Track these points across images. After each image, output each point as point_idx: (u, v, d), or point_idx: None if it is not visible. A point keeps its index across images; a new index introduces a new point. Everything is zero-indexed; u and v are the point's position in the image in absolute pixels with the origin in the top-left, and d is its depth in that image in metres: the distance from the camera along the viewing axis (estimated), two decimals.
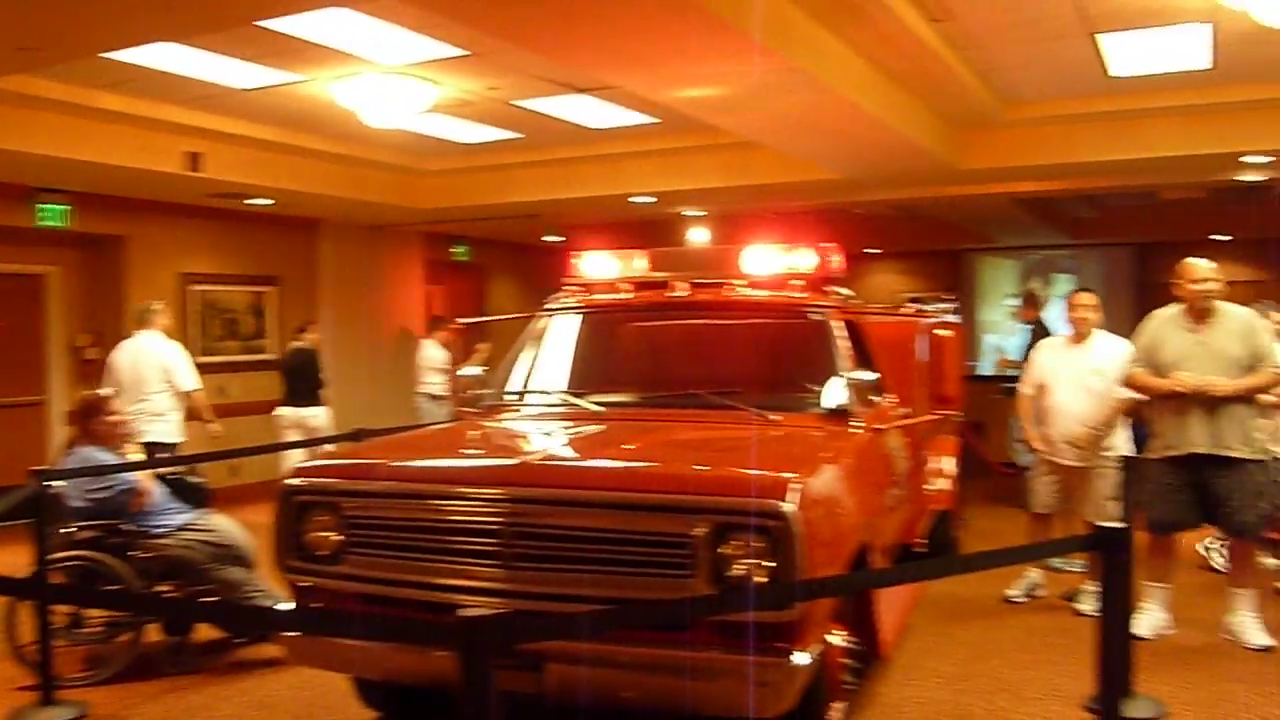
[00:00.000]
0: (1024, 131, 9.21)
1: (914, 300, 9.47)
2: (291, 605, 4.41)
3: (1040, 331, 9.38)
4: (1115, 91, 8.46)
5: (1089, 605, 6.14)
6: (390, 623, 3.62)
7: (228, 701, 5.12)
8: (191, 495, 5.98)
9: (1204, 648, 5.82)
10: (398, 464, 4.31)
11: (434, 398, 11.05)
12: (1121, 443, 6.56)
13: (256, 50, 7.08)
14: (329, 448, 6.39)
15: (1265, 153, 8.93)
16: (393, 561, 4.06)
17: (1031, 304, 10.83)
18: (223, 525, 5.82)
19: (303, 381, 10.06)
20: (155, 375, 8.16)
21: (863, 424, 4.90)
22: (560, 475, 4.07)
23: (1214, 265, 5.86)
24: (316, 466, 4.38)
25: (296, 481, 4.26)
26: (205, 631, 5.85)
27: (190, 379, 8.32)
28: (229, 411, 10.80)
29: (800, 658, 3.71)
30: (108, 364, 8.38)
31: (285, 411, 9.96)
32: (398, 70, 7.51)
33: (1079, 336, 6.70)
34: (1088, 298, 6.75)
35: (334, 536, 4.15)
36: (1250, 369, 5.72)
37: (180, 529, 5.67)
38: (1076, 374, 6.56)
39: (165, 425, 8.15)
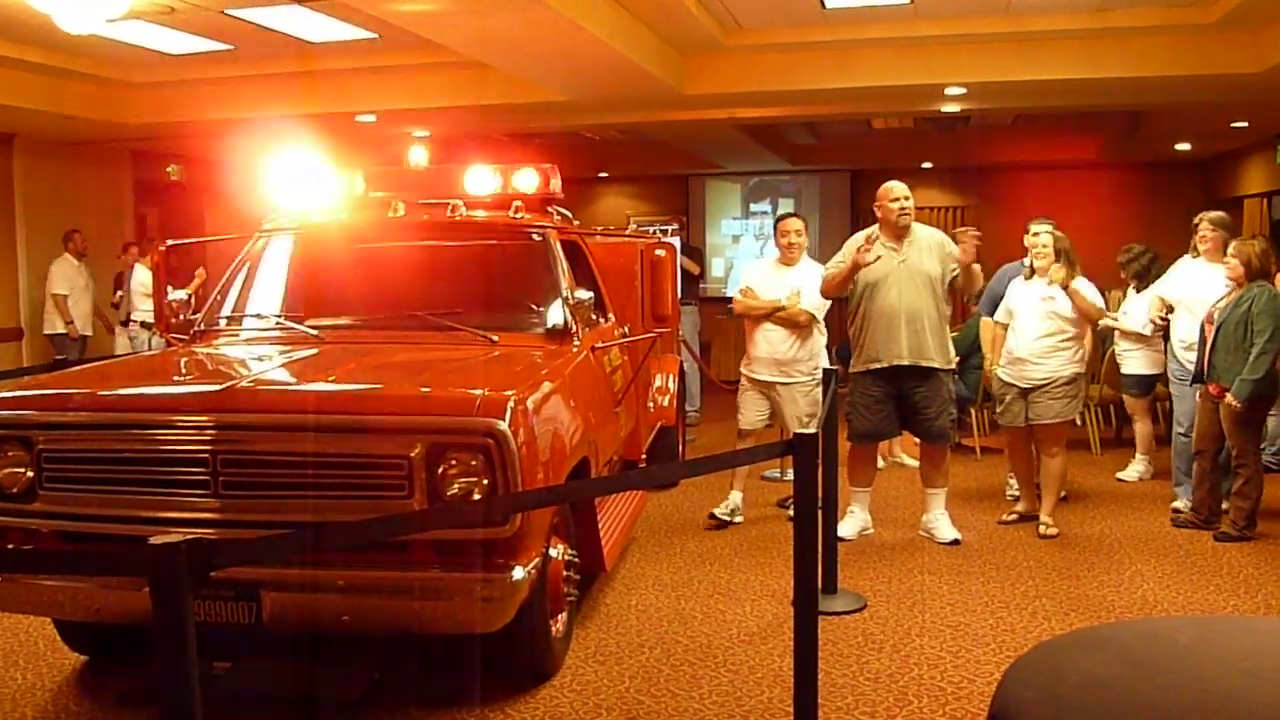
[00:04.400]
0: (745, 58, 9.43)
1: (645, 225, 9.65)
2: None
3: None
4: (830, 22, 8.77)
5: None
6: (78, 557, 3.45)
7: None
8: None
9: (902, 544, 6.29)
10: (96, 393, 4.07)
11: (147, 325, 10.48)
12: (819, 362, 6.76)
13: None
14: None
15: (962, 84, 9.51)
16: (94, 496, 3.86)
17: None
18: None
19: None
20: None
21: (582, 342, 4.99)
22: (270, 400, 3.94)
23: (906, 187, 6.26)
24: (4, 398, 4.07)
25: None
26: None
27: None
28: None
29: (519, 573, 3.77)
30: None
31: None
32: None
33: (787, 260, 6.84)
34: (796, 223, 6.92)
35: (26, 472, 3.90)
36: (947, 285, 6.15)
37: None
38: (779, 296, 6.69)
39: None
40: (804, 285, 6.65)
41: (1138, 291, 7.69)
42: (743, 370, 6.91)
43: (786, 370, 6.67)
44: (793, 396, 6.68)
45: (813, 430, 6.24)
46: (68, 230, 11.18)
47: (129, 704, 4.24)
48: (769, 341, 6.68)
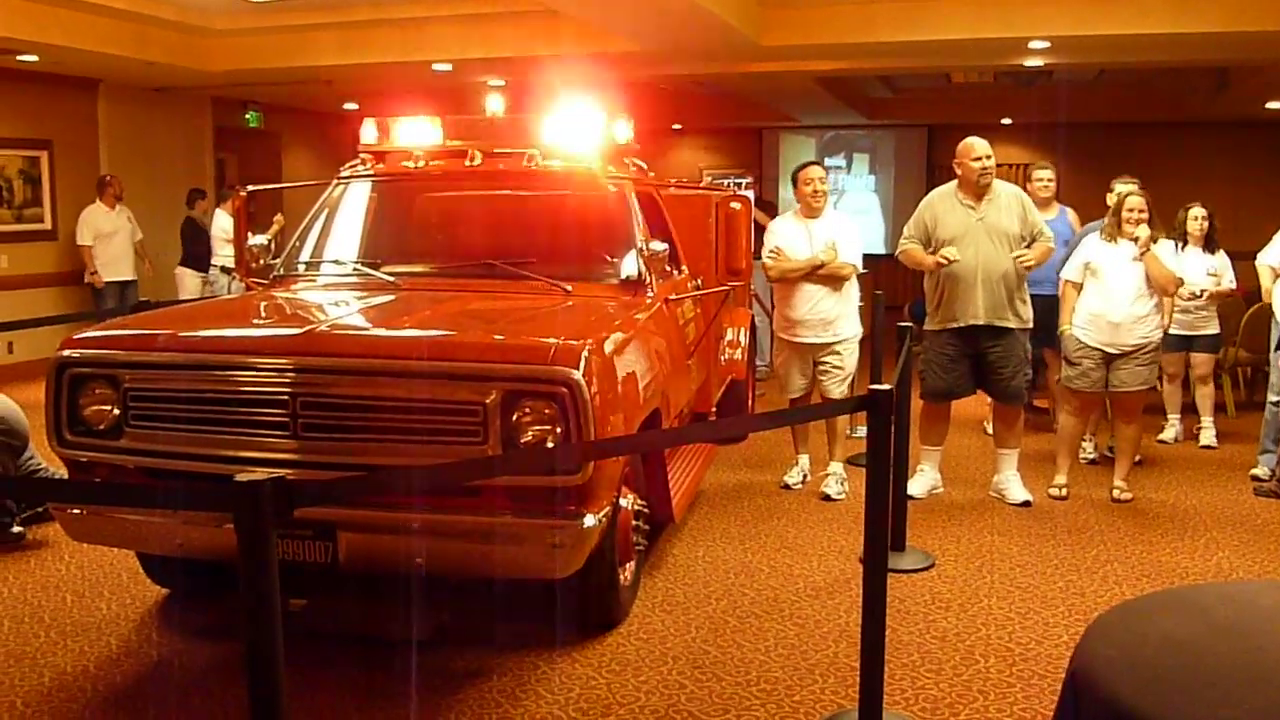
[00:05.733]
0: (824, 9, 9.30)
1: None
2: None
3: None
4: None
5: (834, 490, 6.36)
6: (167, 491, 3.54)
7: (7, 584, 4.93)
8: None
9: (972, 504, 6.25)
10: (180, 334, 4.16)
11: (227, 270, 10.67)
12: (858, 320, 6.47)
13: None
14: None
15: (1045, 38, 9.29)
16: (177, 434, 3.95)
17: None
18: None
19: (192, 247, 11.58)
20: None
21: (655, 294, 4.99)
22: (348, 344, 4.01)
23: (987, 144, 6.11)
24: (92, 337, 4.18)
25: (71, 353, 4.06)
26: None
27: None
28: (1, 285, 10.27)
29: (590, 520, 3.81)
30: None
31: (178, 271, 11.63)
32: None
33: (810, 212, 6.39)
34: (818, 170, 6.44)
35: (113, 410, 4.00)
36: (1026, 244, 6.04)
37: None
38: (812, 252, 6.26)
39: None
40: (838, 237, 6.26)
41: (1210, 252, 7.47)
42: (782, 335, 6.47)
43: (833, 328, 6.29)
44: (839, 358, 6.35)
45: (844, 393, 6.23)
46: (102, 176, 11.17)
47: (208, 636, 4.36)
48: (811, 301, 6.24)
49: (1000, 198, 6.08)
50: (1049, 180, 7.53)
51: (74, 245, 10.90)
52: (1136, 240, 6.02)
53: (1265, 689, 1.47)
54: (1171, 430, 7.89)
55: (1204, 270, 7.44)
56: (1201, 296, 7.44)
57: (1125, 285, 6.07)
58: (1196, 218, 7.52)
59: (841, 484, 6.34)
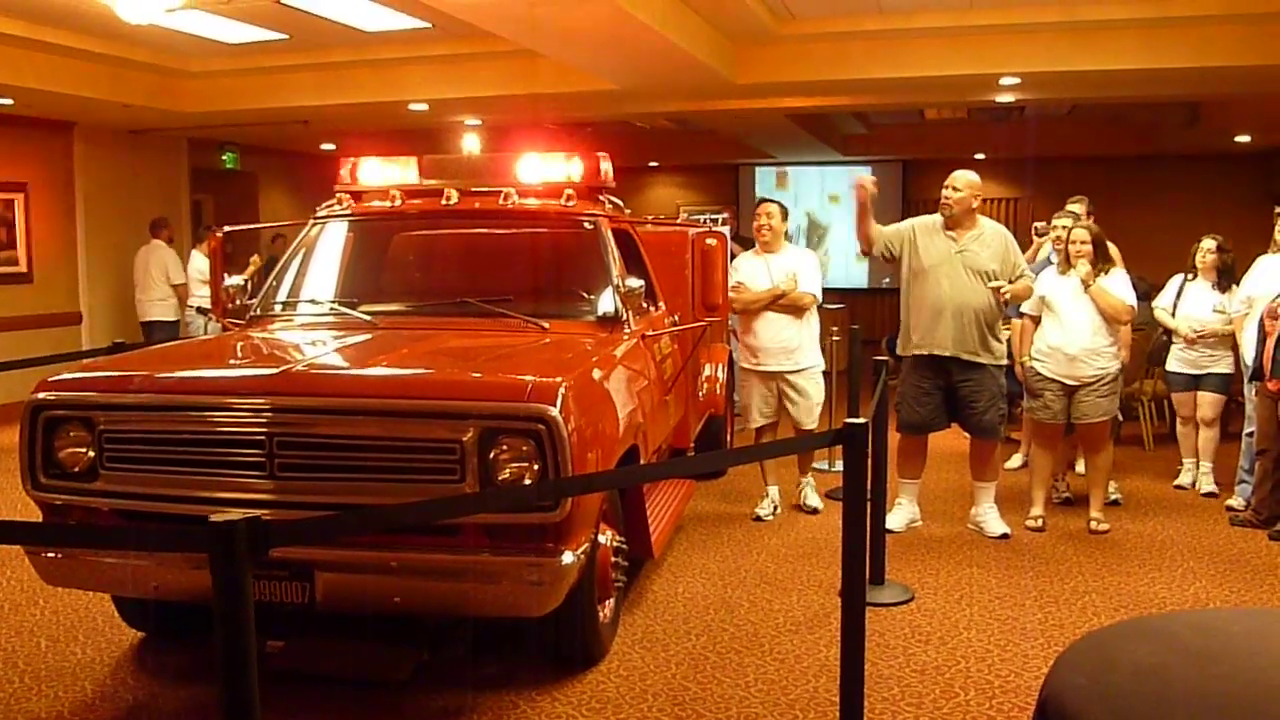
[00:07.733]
0: (798, 47, 9.38)
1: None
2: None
3: None
4: (884, 10, 8.71)
5: (814, 500, 6.52)
6: (141, 533, 3.52)
7: None
8: None
9: (950, 537, 6.26)
10: (155, 375, 4.15)
11: (203, 310, 10.64)
12: (819, 351, 6.61)
13: None
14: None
15: (1017, 74, 9.41)
16: (153, 476, 3.93)
17: None
18: None
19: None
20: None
21: (632, 330, 5.01)
22: (325, 383, 4.00)
23: (972, 177, 6.14)
24: (67, 380, 4.16)
25: (45, 395, 4.04)
26: None
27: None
28: None
29: (568, 557, 3.80)
30: None
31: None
32: None
33: (766, 248, 6.63)
34: (772, 208, 6.65)
35: (88, 452, 3.98)
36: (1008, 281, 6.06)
37: None
38: (772, 284, 6.50)
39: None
40: (799, 269, 6.50)
41: (1222, 288, 7.21)
42: (744, 365, 6.67)
43: (795, 358, 6.49)
44: (804, 386, 6.51)
45: (815, 422, 6.31)
46: (158, 217, 11.42)
47: (185, 679, 4.32)
48: (775, 329, 6.47)
49: (985, 235, 6.11)
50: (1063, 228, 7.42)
51: (50, 288, 10.86)
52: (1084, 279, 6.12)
53: (1232, 715, 1.48)
54: (1188, 475, 7.50)
55: (1209, 306, 7.20)
56: (1202, 335, 7.18)
57: (1079, 318, 6.15)
58: (1202, 250, 7.29)
59: (817, 493, 6.54)
